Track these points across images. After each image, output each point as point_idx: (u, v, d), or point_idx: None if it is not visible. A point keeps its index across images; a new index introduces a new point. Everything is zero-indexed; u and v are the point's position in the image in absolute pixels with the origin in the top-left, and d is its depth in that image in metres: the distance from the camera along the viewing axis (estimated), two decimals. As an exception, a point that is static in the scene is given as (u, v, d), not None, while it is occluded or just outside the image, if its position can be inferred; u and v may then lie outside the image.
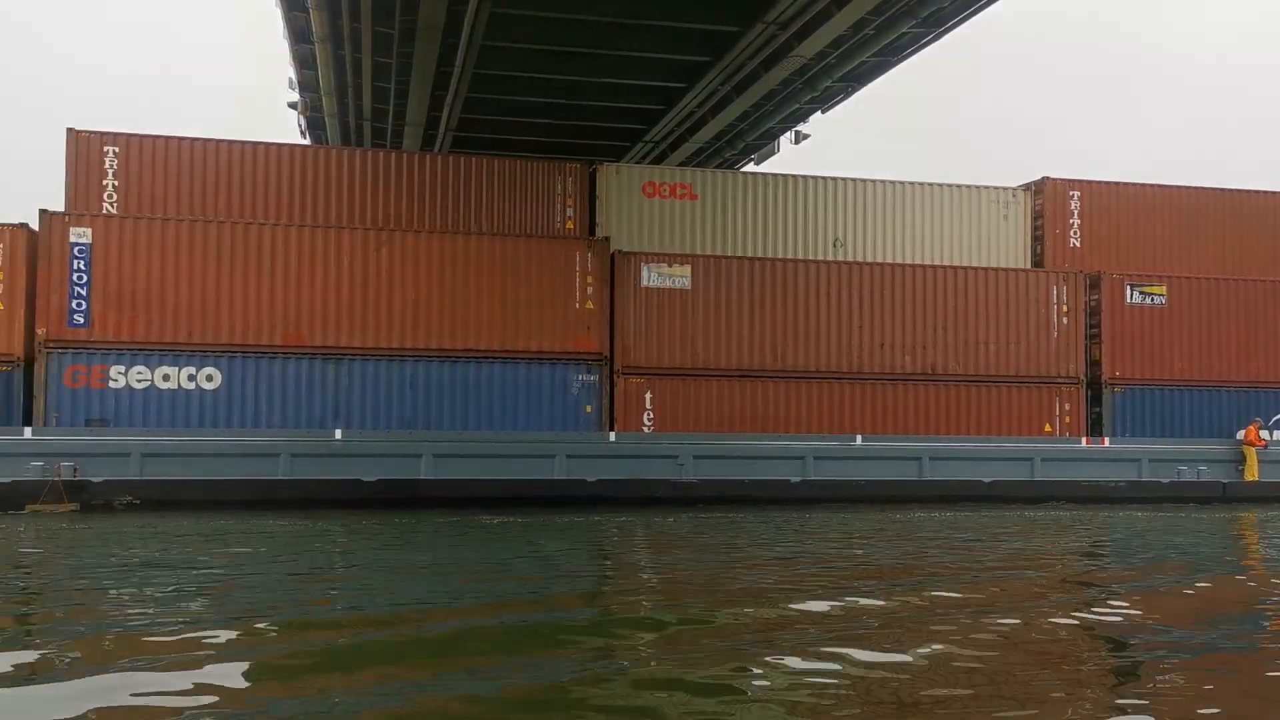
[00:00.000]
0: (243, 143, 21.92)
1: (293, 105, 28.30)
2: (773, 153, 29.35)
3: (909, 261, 23.97)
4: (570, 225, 23.13)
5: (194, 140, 21.80)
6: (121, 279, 19.52)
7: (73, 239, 19.30)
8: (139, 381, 19.53)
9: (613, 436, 21.11)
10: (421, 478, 19.92)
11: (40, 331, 19.12)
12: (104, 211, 20.80)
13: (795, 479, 21.41)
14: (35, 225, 19.36)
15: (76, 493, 18.61)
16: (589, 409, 21.29)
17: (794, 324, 22.35)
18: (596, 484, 20.55)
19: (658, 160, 27.42)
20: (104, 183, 21.17)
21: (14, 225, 19.19)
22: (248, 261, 20.06)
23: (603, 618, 9.53)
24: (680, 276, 21.86)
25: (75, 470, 18.59)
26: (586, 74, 22.29)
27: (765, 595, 10.47)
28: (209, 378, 19.82)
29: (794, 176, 24.49)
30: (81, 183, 21.03)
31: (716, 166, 28.51)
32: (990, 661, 7.37)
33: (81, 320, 19.32)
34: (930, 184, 25.13)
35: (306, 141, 30.23)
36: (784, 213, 24.33)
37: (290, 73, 26.14)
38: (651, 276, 21.73)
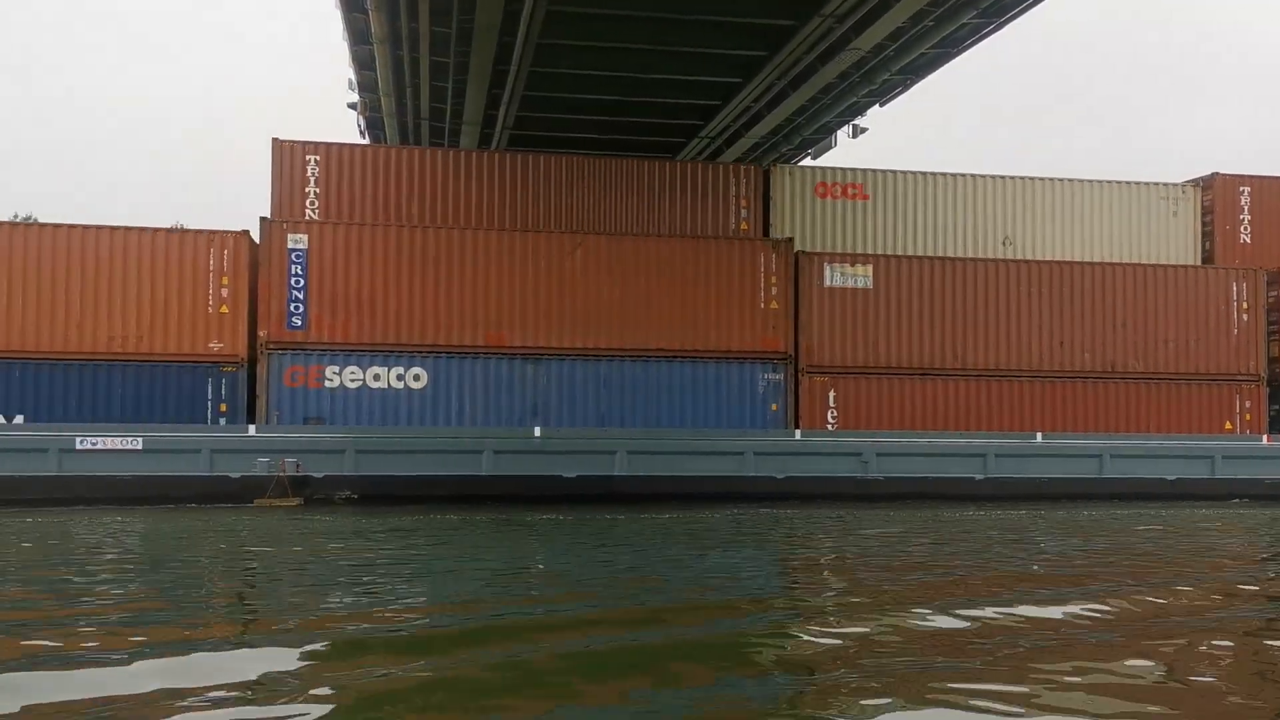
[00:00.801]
0: (433, 149, 22.71)
1: (352, 106, 28.78)
2: (830, 147, 28.90)
3: (1077, 259, 24.04)
4: (745, 226, 23.59)
5: (388, 148, 22.67)
6: (335, 283, 20.39)
7: (290, 245, 20.22)
8: (352, 381, 20.40)
9: (798, 434, 21.54)
10: (616, 474, 20.53)
11: (262, 333, 20.08)
12: (307, 217, 21.74)
13: (978, 476, 21.64)
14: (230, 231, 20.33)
15: (299, 488, 19.53)
16: (775, 407, 21.73)
17: (973, 322, 22.56)
18: (784, 481, 21.01)
19: (713, 156, 27.33)
20: (306, 190, 22.10)
21: (237, 232, 20.17)
22: (450, 264, 20.83)
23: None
24: (862, 276, 22.19)
25: (298, 466, 19.51)
26: (642, 70, 22.18)
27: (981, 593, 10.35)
28: (416, 377, 20.63)
29: (962, 176, 24.70)
30: (286, 190, 22.00)
31: (773, 161, 28.09)
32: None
33: (299, 323, 20.24)
34: (1096, 181, 25.17)
35: (366, 141, 30.95)
36: (952, 211, 24.55)
37: (350, 74, 26.63)
38: (834, 276, 22.09)
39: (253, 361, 20.13)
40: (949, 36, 20.83)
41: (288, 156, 22.13)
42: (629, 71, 22.18)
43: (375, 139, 30.29)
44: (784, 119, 24.95)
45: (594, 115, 25.14)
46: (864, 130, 27.63)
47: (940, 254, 23.80)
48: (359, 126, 30.08)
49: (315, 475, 19.60)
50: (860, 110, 26.03)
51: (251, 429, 19.78)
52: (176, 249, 19.89)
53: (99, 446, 19.05)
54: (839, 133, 27.93)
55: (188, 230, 20.03)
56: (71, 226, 19.70)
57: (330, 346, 20.36)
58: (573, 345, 21.16)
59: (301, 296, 20.27)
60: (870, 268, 22.29)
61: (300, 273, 20.27)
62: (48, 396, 19.40)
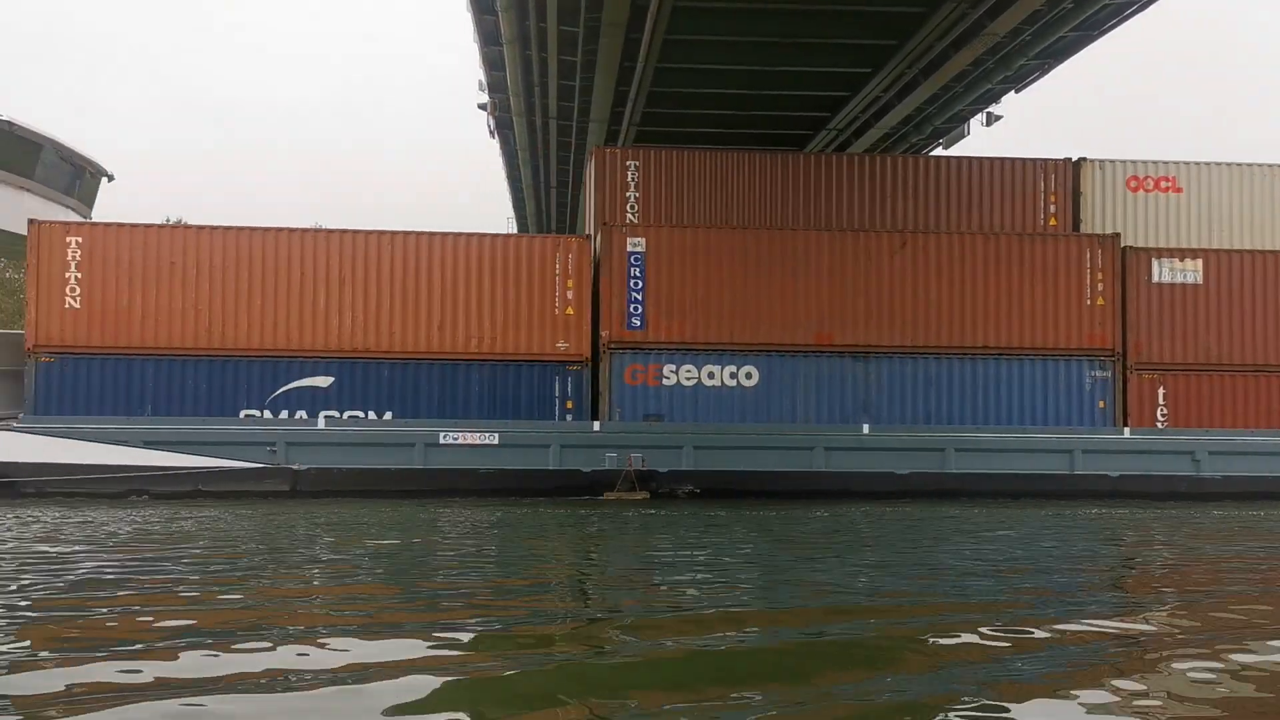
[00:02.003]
0: (748, 150, 23.16)
1: (482, 106, 29.32)
2: (962, 136, 28.03)
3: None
4: (1054, 222, 23.31)
5: (704, 150, 23.24)
6: (671, 283, 21.04)
7: (629, 248, 20.95)
8: (687, 379, 21.03)
9: (1127, 432, 21.20)
10: (946, 471, 20.61)
11: (604, 333, 20.88)
12: (628, 221, 22.47)
13: (1321, 476, 20.93)
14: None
15: (645, 482, 20.23)
16: (1102, 404, 21.44)
17: (1308, 317, 21.82)
18: (1116, 479, 20.73)
19: (841, 148, 26.72)
20: (626, 195, 22.85)
21: (580, 237, 21.02)
22: (779, 264, 21.23)
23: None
24: (1191, 271, 21.70)
25: (643, 461, 20.21)
26: (769, 63, 21.82)
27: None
28: (748, 375, 21.12)
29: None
30: (608, 196, 22.79)
31: (903, 152, 27.38)
32: None
33: (638, 323, 20.96)
34: None
35: (495, 142, 31.32)
36: (1270, 203, 23.75)
37: (480, 75, 27.17)
38: (1163, 272, 21.66)
39: (596, 361, 20.95)
40: (1090, 18, 20.15)
41: (608, 163, 22.93)
42: (755, 65, 22.00)
43: (504, 139, 30.84)
44: (914, 108, 24.48)
45: (721, 110, 25.00)
46: (998, 118, 26.86)
47: (1258, 247, 23.06)
48: (488, 126, 30.86)
49: (659, 470, 20.28)
50: (995, 97, 25.31)
51: (596, 425, 20.58)
52: (525, 254, 20.83)
53: (459, 441, 20.12)
54: (972, 120, 27.18)
55: (535, 236, 20.95)
56: (432, 234, 20.86)
57: (667, 346, 21.02)
58: (899, 343, 21.32)
59: (640, 297, 20.98)
60: (1200, 262, 21.78)
61: (639, 274, 20.99)
62: (413, 394, 20.60)
